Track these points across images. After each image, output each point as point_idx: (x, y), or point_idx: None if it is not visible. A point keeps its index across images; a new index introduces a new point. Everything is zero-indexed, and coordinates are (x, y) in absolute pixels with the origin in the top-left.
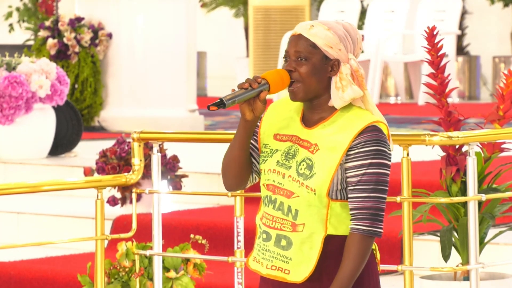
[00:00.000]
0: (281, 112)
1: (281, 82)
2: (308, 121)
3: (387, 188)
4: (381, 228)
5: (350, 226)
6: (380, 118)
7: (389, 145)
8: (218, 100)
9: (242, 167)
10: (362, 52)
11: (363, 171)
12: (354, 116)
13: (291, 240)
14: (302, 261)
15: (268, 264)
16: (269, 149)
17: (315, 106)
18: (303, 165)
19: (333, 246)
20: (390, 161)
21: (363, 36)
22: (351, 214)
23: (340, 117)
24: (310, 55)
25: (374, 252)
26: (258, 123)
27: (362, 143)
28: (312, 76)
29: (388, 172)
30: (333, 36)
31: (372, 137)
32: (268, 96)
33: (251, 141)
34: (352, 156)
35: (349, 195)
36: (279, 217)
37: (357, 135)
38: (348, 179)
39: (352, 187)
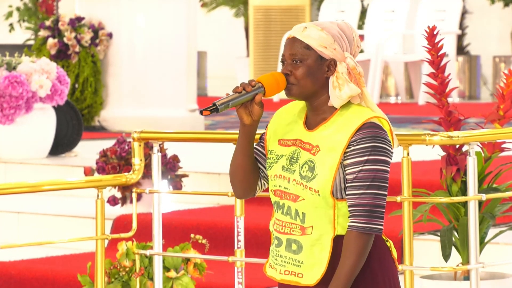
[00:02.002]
0: (286, 117)
1: (276, 85)
2: (310, 123)
3: (387, 185)
4: (379, 225)
5: (347, 224)
6: (380, 114)
7: (388, 141)
8: (211, 105)
9: (247, 173)
10: (362, 52)
11: (359, 168)
12: (353, 114)
13: (301, 244)
14: (314, 264)
15: (282, 269)
16: (275, 155)
17: (316, 108)
18: (305, 167)
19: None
20: (389, 157)
21: (363, 36)
22: (349, 211)
23: (340, 117)
24: (304, 57)
25: (390, 249)
26: (265, 130)
27: (358, 140)
28: (307, 78)
29: (387, 168)
30: (326, 36)
31: (368, 133)
32: (270, 97)
33: (258, 147)
34: (349, 154)
35: (347, 192)
36: (288, 222)
37: (355, 133)
38: (346, 177)
39: (348, 184)
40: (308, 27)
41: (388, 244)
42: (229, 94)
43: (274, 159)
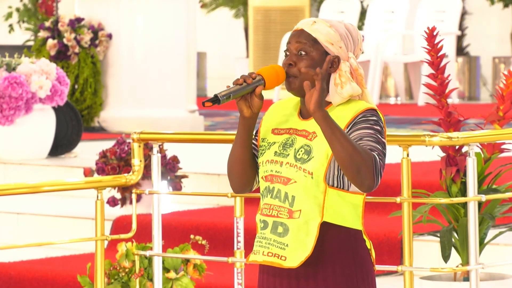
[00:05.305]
0: (280, 110)
1: (276, 78)
2: (304, 115)
3: (386, 152)
4: (379, 179)
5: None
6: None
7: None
8: (213, 96)
9: (246, 166)
10: (362, 52)
11: (365, 131)
12: (351, 105)
13: (287, 227)
14: (298, 248)
15: (265, 251)
16: (267, 143)
17: None
18: (301, 151)
19: (329, 238)
20: (385, 138)
21: (363, 36)
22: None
23: (336, 107)
24: (310, 50)
25: (370, 251)
26: (259, 124)
27: (360, 117)
28: (310, 71)
29: (385, 142)
30: (334, 33)
31: (369, 112)
32: (268, 96)
33: (254, 141)
34: (353, 129)
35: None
36: (276, 205)
37: (355, 117)
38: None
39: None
40: (317, 22)
41: (369, 246)
42: (229, 86)
43: (266, 146)
